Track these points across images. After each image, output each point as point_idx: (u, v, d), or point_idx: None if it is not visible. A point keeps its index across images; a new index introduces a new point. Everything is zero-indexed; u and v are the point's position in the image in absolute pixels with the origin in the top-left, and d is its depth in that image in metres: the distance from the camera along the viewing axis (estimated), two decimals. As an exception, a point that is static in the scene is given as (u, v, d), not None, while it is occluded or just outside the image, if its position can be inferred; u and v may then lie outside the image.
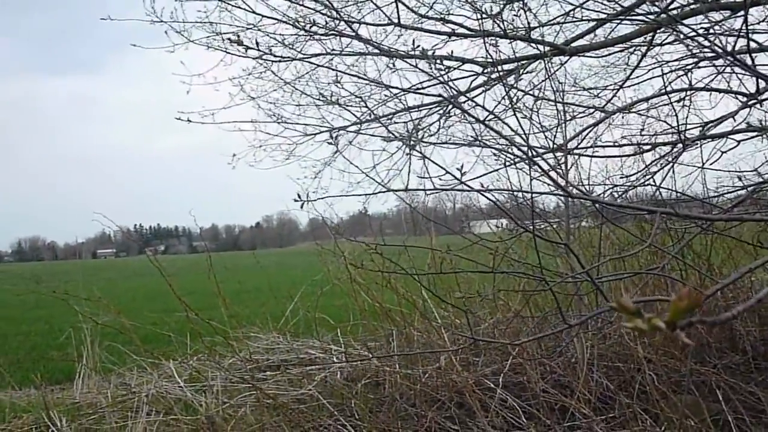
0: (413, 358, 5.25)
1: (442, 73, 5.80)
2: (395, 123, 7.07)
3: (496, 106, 5.67)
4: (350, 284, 5.82)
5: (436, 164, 3.37)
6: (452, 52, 6.08)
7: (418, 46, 5.03)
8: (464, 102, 5.86)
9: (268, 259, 30.35)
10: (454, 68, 6.30)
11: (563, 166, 4.24)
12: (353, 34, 6.05)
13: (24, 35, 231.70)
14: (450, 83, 5.65)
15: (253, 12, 6.67)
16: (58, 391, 7.25)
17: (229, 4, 6.71)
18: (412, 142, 5.78)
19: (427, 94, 6.31)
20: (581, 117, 6.11)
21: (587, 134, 5.53)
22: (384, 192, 4.60)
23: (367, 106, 6.72)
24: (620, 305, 1.04)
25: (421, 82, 6.32)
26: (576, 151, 5.23)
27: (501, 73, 5.64)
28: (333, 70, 6.76)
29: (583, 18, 6.25)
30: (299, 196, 3.37)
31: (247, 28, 6.94)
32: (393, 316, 5.82)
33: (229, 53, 6.50)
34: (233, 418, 5.08)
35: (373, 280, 5.69)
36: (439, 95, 5.72)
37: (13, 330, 14.79)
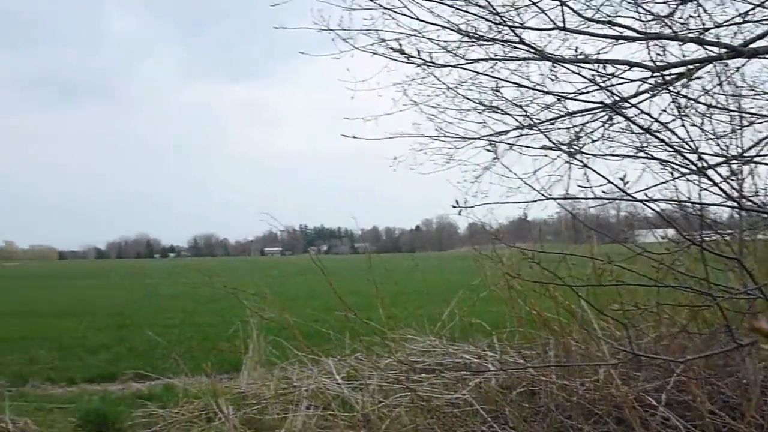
0: (570, 370, 5.13)
1: (606, 78, 5.62)
2: (557, 129, 6.94)
3: (661, 113, 5.43)
4: (507, 291, 5.78)
5: (598, 173, 3.29)
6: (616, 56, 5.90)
7: (581, 53, 4.91)
8: (629, 108, 5.65)
9: (427, 262, 30.57)
10: (619, 74, 6.10)
11: (738, 177, 4.01)
12: (517, 39, 5.99)
13: (202, 45, 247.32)
14: (614, 89, 5.47)
15: (417, 19, 6.78)
16: (226, 381, 7.69)
17: (394, 11, 6.86)
18: (572, 150, 5.65)
19: (589, 101, 6.15)
20: (760, 123, 5.73)
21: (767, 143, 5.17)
22: (543, 200, 4.53)
23: (527, 114, 6.64)
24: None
25: (585, 88, 6.17)
26: (755, 159, 4.90)
27: (669, 77, 5.40)
28: (494, 78, 6.72)
29: (765, 18, 5.86)
30: (457, 203, 3.39)
31: (411, 35, 7.06)
32: (550, 325, 5.71)
33: (393, 60, 6.64)
34: (388, 417, 5.18)
35: (531, 287, 5.61)
36: (601, 103, 5.55)
37: (189, 320, 15.85)
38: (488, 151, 6.94)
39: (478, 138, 7.46)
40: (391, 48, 6.26)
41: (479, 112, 7.33)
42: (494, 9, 6.52)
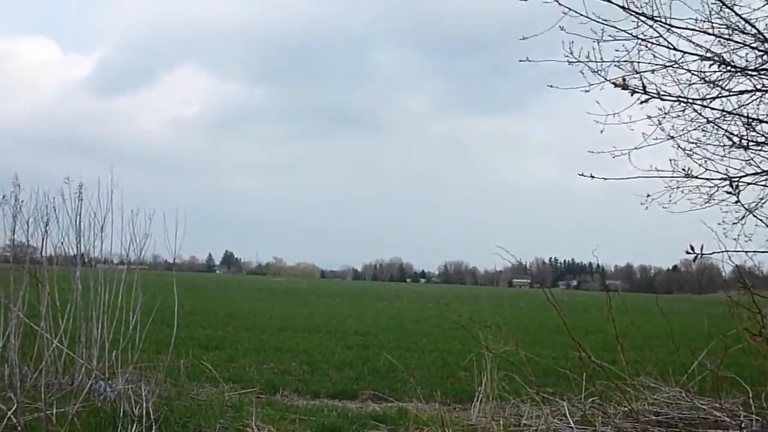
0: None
1: None
2: None
3: None
4: None
5: None
6: None
7: None
8: None
9: (681, 306, 28.66)
10: None
11: None
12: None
13: (456, 76, 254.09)
14: None
15: (675, 49, 6.44)
16: (459, 410, 7.72)
17: (650, 42, 6.57)
18: None
19: None
20: None
21: None
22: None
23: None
24: None
25: None
26: None
27: None
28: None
29: None
30: (692, 248, 3.12)
31: (667, 66, 6.72)
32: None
33: (647, 94, 6.32)
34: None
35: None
36: None
37: (430, 346, 16.14)
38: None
39: (744, 176, 6.90)
40: (620, 84, 5.99)
41: (745, 149, 6.79)
42: (763, 36, 6.03)
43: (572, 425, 5.99)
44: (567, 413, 6.25)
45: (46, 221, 6.82)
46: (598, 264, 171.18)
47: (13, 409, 5.12)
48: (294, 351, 13.93)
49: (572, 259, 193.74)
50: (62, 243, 7.05)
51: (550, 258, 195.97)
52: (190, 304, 18.06)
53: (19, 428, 4.91)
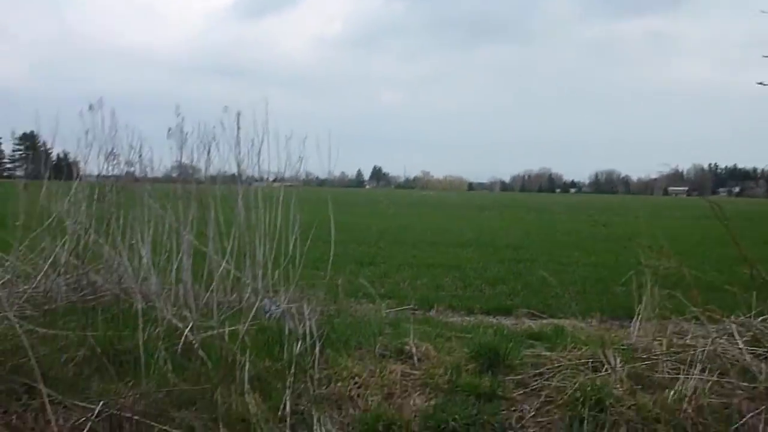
0: None
1: None
2: None
3: None
4: None
5: None
6: None
7: None
8: None
9: None
10: None
11: None
12: None
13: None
14: None
15: None
16: (617, 328, 7.54)
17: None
18: None
19: None
20: None
21: None
22: None
23: None
24: None
25: None
26: None
27: None
28: None
29: None
30: None
31: None
32: None
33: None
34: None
35: None
36: None
37: (584, 260, 15.83)
38: None
39: None
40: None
41: None
42: None
43: (741, 346, 5.70)
44: (735, 333, 5.95)
45: (208, 149, 7.17)
46: (764, 170, 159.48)
47: (190, 326, 5.48)
48: (446, 266, 14.09)
49: (734, 164, 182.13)
50: (223, 167, 7.41)
51: (710, 164, 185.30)
52: (343, 220, 18.53)
53: (195, 345, 5.26)
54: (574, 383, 5.05)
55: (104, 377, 4.82)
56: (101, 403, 4.31)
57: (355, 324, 6.64)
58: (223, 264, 6.86)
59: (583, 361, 5.64)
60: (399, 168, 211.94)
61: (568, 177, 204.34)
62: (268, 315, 6.50)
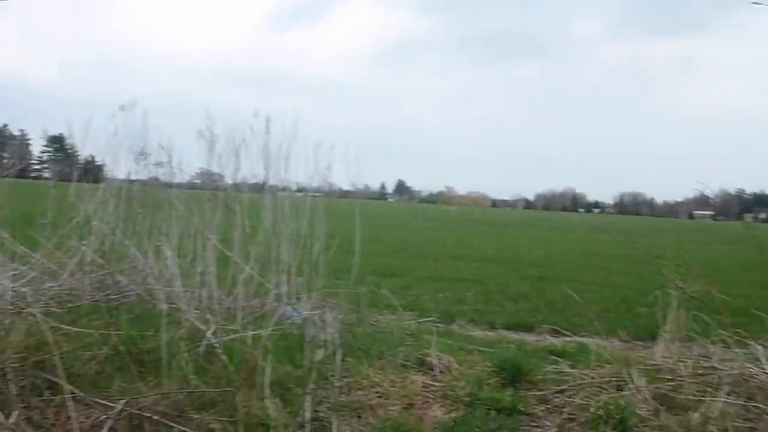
0: None
1: None
2: None
3: None
4: None
5: None
6: None
7: None
8: None
9: None
10: None
11: None
12: None
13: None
14: None
15: None
16: (640, 348, 7.44)
17: None
18: None
19: None
20: None
21: None
22: None
23: None
24: None
25: None
26: None
27: None
28: None
29: None
30: None
31: None
32: None
33: None
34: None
35: None
36: None
37: (607, 280, 15.69)
38: None
39: None
40: None
41: None
42: None
43: (768, 371, 5.60)
44: (762, 357, 5.85)
45: (237, 153, 7.21)
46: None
47: (213, 329, 5.49)
48: (468, 281, 14.02)
49: (762, 190, 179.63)
50: (251, 174, 7.45)
51: (736, 189, 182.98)
52: (366, 232, 18.46)
53: (218, 348, 5.26)
54: (598, 401, 4.99)
55: (126, 376, 4.83)
56: (122, 401, 4.31)
57: (376, 334, 6.62)
58: (247, 269, 6.87)
59: (606, 379, 5.58)
60: (422, 182, 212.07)
61: (591, 197, 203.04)
62: (289, 321, 6.50)
